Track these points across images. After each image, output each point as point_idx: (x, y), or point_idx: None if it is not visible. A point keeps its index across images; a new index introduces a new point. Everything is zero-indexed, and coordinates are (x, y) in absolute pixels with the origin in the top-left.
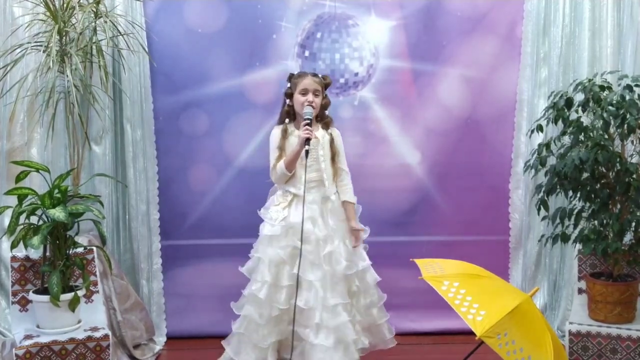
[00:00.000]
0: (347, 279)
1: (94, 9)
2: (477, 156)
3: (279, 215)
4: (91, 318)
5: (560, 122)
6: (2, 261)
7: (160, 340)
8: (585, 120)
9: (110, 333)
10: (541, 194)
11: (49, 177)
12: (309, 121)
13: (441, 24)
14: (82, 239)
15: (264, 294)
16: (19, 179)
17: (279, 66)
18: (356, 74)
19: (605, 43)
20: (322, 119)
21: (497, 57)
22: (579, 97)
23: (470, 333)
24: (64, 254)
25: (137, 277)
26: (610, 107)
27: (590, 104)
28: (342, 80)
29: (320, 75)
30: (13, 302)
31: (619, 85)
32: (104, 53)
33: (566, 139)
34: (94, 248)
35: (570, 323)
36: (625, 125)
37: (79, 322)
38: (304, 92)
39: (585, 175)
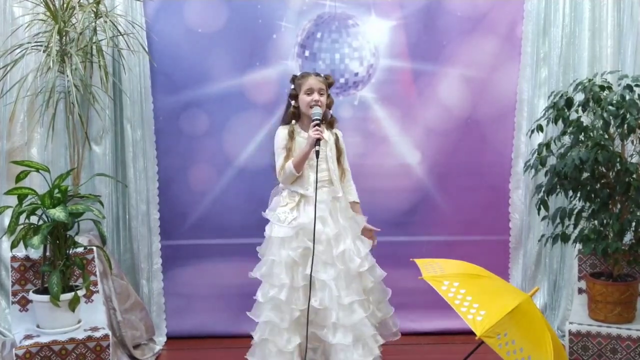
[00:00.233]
0: (362, 276)
1: (94, 9)
2: (477, 156)
3: (287, 216)
4: (91, 318)
5: (560, 122)
6: (2, 261)
7: (160, 340)
8: (585, 120)
9: (110, 333)
10: (541, 193)
11: (49, 177)
12: (318, 121)
13: (441, 24)
14: (82, 239)
15: (284, 295)
16: (19, 178)
17: (279, 66)
18: (356, 74)
19: (605, 43)
20: (327, 118)
21: (497, 57)
22: (579, 97)
23: (470, 333)
24: (64, 254)
25: (137, 277)
26: (610, 107)
27: (590, 104)
28: (342, 80)
29: (323, 75)
30: (13, 302)
31: (619, 85)
32: (104, 53)
33: (566, 139)
34: (94, 248)
35: (570, 323)
36: (625, 125)
37: (79, 322)
38: (310, 92)
39: (585, 175)
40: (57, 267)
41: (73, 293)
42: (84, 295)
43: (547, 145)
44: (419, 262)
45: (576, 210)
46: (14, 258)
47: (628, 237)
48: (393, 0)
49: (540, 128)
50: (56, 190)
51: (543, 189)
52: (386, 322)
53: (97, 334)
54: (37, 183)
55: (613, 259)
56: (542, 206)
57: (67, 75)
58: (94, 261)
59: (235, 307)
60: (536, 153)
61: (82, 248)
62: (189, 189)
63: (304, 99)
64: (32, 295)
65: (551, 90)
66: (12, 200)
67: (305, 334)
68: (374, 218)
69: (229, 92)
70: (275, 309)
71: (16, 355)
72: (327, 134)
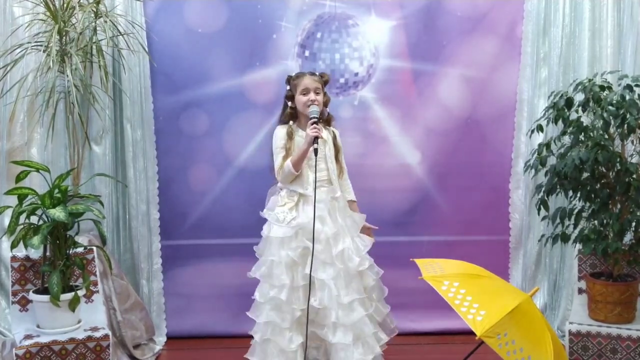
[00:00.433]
0: (364, 274)
1: (94, 9)
2: (477, 156)
3: (286, 216)
4: (91, 318)
5: (560, 122)
6: (2, 261)
7: (160, 340)
8: (585, 120)
9: (110, 333)
10: (541, 193)
11: (49, 177)
12: (316, 119)
13: (441, 24)
14: (82, 239)
15: (285, 295)
16: (19, 178)
17: (279, 66)
18: (356, 74)
19: (605, 43)
20: (324, 116)
21: (497, 57)
22: (579, 97)
23: (470, 333)
24: (64, 253)
25: (137, 277)
26: (610, 107)
27: (590, 104)
28: (342, 80)
29: (318, 73)
30: (13, 302)
31: (619, 85)
32: (104, 53)
33: (566, 139)
34: (94, 248)
35: (570, 323)
36: (625, 125)
37: (79, 322)
38: (305, 92)
39: (585, 175)
40: (57, 267)
41: (73, 293)
42: (84, 295)
43: (547, 145)
44: (419, 262)
45: (576, 210)
46: (14, 258)
47: (628, 237)
48: (393, 0)
49: (540, 128)
50: (56, 190)
51: (543, 189)
52: (384, 319)
53: (97, 334)
54: (37, 183)
55: (613, 259)
56: (542, 206)
57: (67, 75)
58: (94, 261)
59: (235, 307)
60: (536, 153)
61: (82, 248)
62: (189, 189)
63: (300, 99)
64: (32, 295)
65: (551, 90)
66: (12, 200)
67: (306, 333)
68: (374, 218)
69: (229, 92)
70: (275, 309)
71: (16, 355)
72: (325, 133)
